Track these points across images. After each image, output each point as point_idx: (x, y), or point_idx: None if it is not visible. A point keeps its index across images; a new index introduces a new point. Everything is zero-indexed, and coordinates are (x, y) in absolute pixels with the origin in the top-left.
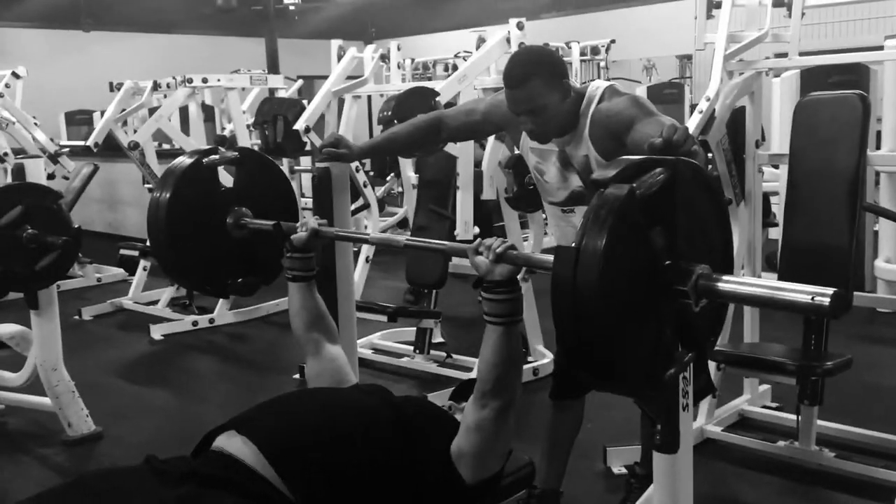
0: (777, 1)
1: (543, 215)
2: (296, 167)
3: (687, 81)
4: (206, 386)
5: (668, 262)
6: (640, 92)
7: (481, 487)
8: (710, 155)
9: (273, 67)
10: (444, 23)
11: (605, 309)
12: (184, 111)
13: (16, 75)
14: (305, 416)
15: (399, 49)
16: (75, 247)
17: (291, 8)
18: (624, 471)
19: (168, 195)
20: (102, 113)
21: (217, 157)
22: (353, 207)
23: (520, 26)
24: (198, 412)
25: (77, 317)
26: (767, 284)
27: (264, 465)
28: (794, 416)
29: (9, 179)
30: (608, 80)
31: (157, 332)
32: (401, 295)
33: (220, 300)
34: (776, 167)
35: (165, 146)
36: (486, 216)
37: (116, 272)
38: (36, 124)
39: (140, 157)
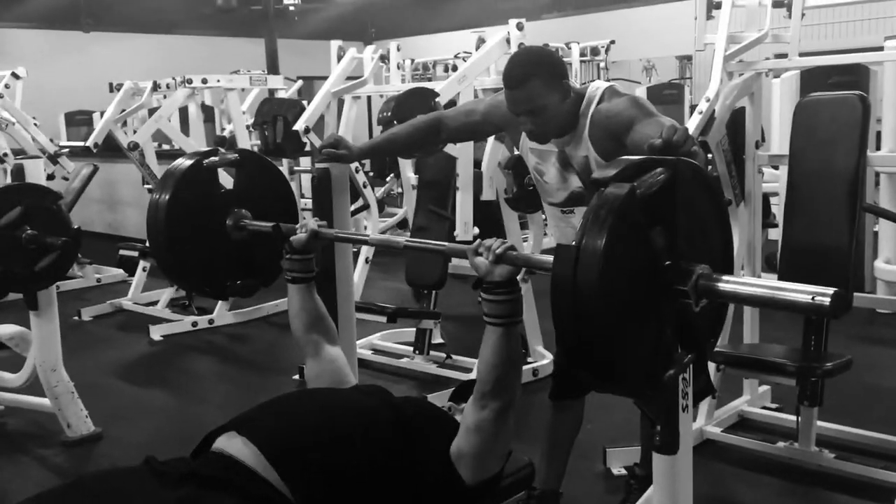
0: (777, 2)
1: (543, 216)
2: (295, 168)
3: (687, 82)
4: (206, 387)
5: (668, 262)
6: (640, 93)
7: (481, 488)
8: (709, 156)
9: (273, 68)
10: (444, 23)
11: (604, 308)
12: (183, 112)
13: (15, 76)
14: (305, 416)
15: (399, 49)
16: (75, 247)
17: (291, 8)
18: (623, 472)
19: (167, 197)
20: (102, 113)
21: (217, 158)
22: (352, 208)
23: (519, 27)
24: (197, 413)
25: (76, 317)
26: (767, 284)
27: (265, 467)
28: (793, 417)
29: (8, 180)
30: (608, 80)
31: (156, 332)
32: (400, 296)
33: (220, 301)
34: (776, 168)
35: (165, 147)
36: (490, 216)
37: (116, 273)
38: (36, 125)
39: (140, 158)
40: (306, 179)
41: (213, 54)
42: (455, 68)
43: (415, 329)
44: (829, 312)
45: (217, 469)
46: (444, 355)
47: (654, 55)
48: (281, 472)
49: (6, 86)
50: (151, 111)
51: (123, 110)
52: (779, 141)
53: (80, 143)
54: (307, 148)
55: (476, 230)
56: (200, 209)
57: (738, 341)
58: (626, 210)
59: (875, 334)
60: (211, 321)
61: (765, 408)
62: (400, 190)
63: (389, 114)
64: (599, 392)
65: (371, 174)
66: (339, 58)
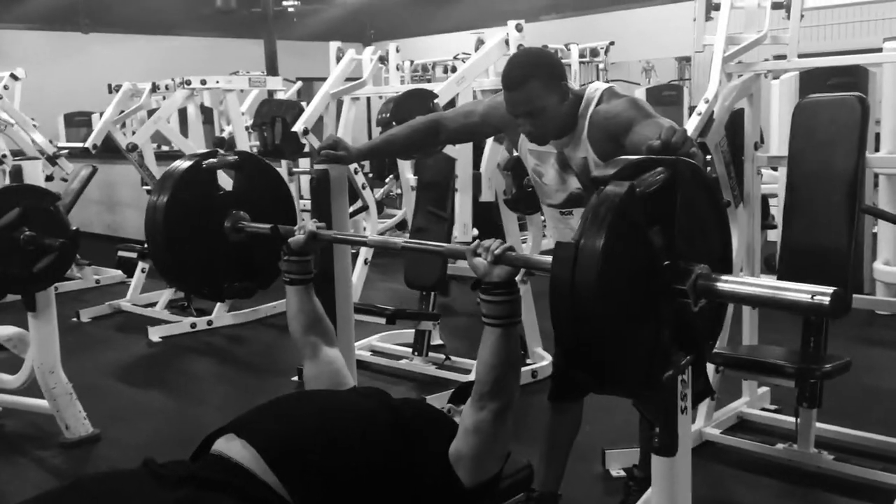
0: (776, 3)
1: (542, 217)
2: (294, 169)
3: (686, 83)
4: (205, 388)
5: (666, 262)
6: (639, 94)
7: (480, 490)
8: (708, 157)
9: (272, 69)
10: (443, 24)
11: (603, 308)
12: (182, 113)
13: (14, 77)
14: (304, 419)
15: (398, 51)
16: (73, 249)
17: (290, 10)
18: (622, 473)
19: (166, 198)
20: (101, 115)
21: (216, 160)
22: (351, 209)
23: (518, 28)
24: (196, 414)
25: (75, 319)
26: (766, 284)
27: (264, 469)
28: (792, 419)
29: (7, 181)
30: (607, 81)
31: (155, 334)
32: (399, 297)
33: (218, 302)
34: (775, 169)
35: (164, 148)
36: (489, 218)
37: (115, 274)
38: (34, 126)
39: (139, 159)
40: (305, 181)
41: (212, 55)
42: (454, 69)
43: (414, 330)
44: (828, 312)
45: (216, 471)
46: (443, 357)
47: (653, 56)
48: (280, 474)
49: (5, 87)
50: (150, 112)
51: (122, 111)
52: (778, 142)
53: (79, 145)
54: (306, 149)
55: (475, 231)
56: (199, 211)
57: (737, 343)
58: (625, 208)
59: (874, 336)
60: (210, 322)
61: (764, 409)
62: (399, 191)
63: (388, 115)
64: (598, 393)
65: (370, 175)
66: (338, 59)
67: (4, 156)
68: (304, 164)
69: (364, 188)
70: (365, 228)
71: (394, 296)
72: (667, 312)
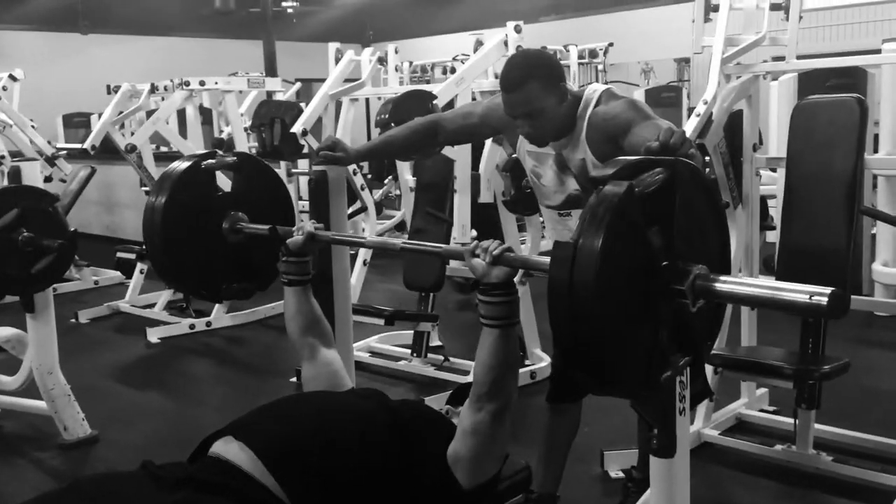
0: (775, 4)
1: (541, 219)
2: (293, 170)
3: (685, 85)
4: (203, 389)
5: (665, 263)
6: (638, 95)
7: (478, 491)
8: (707, 158)
9: (271, 70)
10: (442, 26)
11: (601, 308)
12: (181, 114)
13: (13, 78)
14: (302, 421)
15: (397, 52)
16: (71, 250)
17: (289, 11)
18: (621, 475)
19: (164, 199)
20: (100, 115)
21: (215, 161)
22: (350, 211)
23: (517, 29)
24: (195, 415)
25: (73, 320)
26: (765, 284)
27: (262, 472)
28: (791, 420)
29: (5, 182)
30: (606, 83)
31: (153, 335)
32: (398, 298)
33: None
34: (774, 170)
35: (163, 149)
36: (488, 219)
37: (113, 275)
38: (33, 127)
39: (137, 160)
40: (304, 182)
41: (211, 56)
42: (453, 71)
43: (412, 332)
44: (826, 312)
45: (214, 473)
46: (441, 358)
47: (652, 58)
48: (278, 476)
49: (4, 88)
50: (149, 113)
51: (121, 112)
52: (776, 143)
53: (78, 146)
54: (305, 150)
55: (474, 232)
56: (197, 212)
57: (736, 344)
58: (624, 208)
59: (873, 337)
60: (208, 324)
61: (762, 410)
62: (398, 192)
63: (387, 116)
64: (596, 394)
65: (369, 176)
66: (337, 60)
67: (3, 157)
68: (302, 165)
69: (363, 189)
70: (364, 229)
71: (392, 297)
72: (665, 313)
